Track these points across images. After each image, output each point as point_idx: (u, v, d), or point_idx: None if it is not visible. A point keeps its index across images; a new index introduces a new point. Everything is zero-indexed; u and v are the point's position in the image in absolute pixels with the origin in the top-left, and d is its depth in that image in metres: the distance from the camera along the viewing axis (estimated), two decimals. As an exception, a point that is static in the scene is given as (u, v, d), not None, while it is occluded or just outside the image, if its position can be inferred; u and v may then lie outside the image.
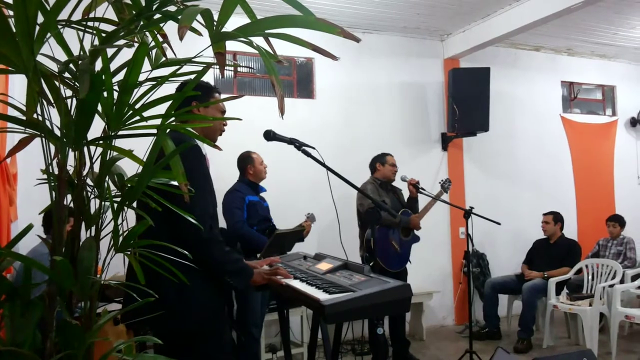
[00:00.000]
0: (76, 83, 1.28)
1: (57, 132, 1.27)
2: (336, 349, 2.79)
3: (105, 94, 1.26)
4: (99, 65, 1.25)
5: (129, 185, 1.41)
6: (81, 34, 1.36)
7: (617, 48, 6.90)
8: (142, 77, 1.33)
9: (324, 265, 2.44)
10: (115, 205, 1.33)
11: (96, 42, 1.34)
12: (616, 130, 7.39)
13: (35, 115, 1.24)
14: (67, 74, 1.30)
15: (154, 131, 1.33)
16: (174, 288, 1.77)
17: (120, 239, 1.36)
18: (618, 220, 5.87)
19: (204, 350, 2.02)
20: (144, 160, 1.34)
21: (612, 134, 7.35)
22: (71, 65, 1.29)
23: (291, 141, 2.51)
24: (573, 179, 7.00)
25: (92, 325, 1.31)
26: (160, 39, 1.48)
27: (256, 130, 2.87)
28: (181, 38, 1.15)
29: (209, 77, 4.88)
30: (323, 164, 2.48)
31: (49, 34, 1.21)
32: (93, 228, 1.36)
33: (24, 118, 1.23)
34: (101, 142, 1.33)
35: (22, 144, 1.31)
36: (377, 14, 5.44)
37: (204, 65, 1.38)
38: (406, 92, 6.07)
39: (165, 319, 1.77)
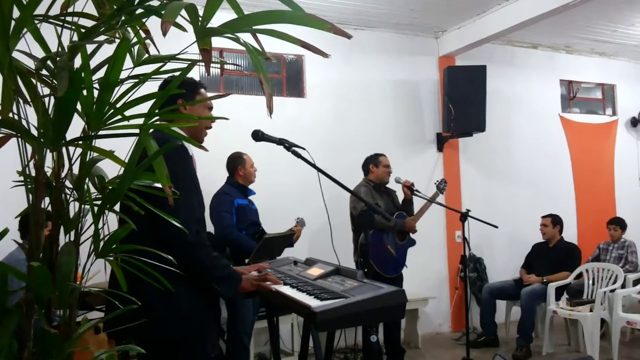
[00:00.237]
0: (54, 81, 1.28)
1: (34, 132, 1.26)
2: (328, 357, 2.79)
3: (84, 92, 1.26)
4: (78, 62, 1.25)
5: (110, 187, 1.40)
6: (59, 29, 1.35)
7: (617, 45, 6.96)
8: (123, 75, 1.32)
9: (315, 271, 2.44)
10: (96, 208, 1.33)
11: (75, 38, 1.33)
12: (616, 130, 7.45)
13: (11, 115, 1.23)
14: (44, 71, 1.29)
15: (136, 131, 1.32)
16: (158, 295, 1.76)
17: (101, 243, 1.35)
18: (619, 223, 5.92)
19: (188, 358, 2.01)
20: (126, 161, 1.34)
21: (612, 134, 7.41)
22: (49, 62, 1.28)
23: (280, 141, 2.51)
24: (572, 180, 7.04)
25: (72, 334, 1.30)
26: (143, 35, 1.48)
27: (244, 130, 2.87)
28: (164, 34, 1.15)
29: (194, 75, 4.87)
30: (314, 165, 2.48)
31: (25, 30, 1.20)
32: (72, 232, 1.36)
33: (-1, 117, 1.23)
34: (81, 142, 1.32)
35: (-3, 145, 1.30)
36: (369, 9, 5.46)
37: (189, 62, 1.38)
38: (400, 91, 6.09)
39: (149, 326, 1.77)
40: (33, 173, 1.28)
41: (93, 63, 1.30)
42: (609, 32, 6.47)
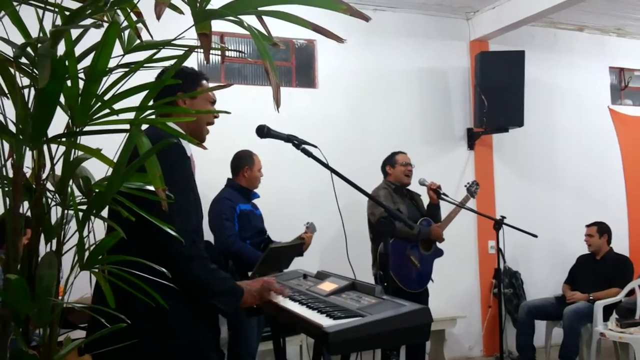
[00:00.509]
0: (35, 70, 1.29)
1: (12, 128, 1.27)
2: (342, 385, 2.79)
3: (69, 82, 1.27)
4: (61, 49, 1.26)
5: (96, 190, 1.41)
6: (41, 12, 1.37)
7: (676, 28, 6.90)
8: (112, 63, 1.33)
9: (327, 286, 2.44)
10: (81, 214, 1.34)
11: (59, 21, 1.35)
12: (675, 125, 7.38)
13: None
14: (24, 60, 1.30)
15: (127, 127, 1.33)
16: (149, 312, 1.77)
17: (87, 254, 1.36)
18: (677, 232, 5.87)
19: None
20: (115, 161, 1.35)
21: (670, 130, 7.34)
22: (29, 49, 1.30)
23: (289, 138, 2.51)
24: (624, 182, 6.98)
25: (53, 356, 1.31)
26: (134, 18, 1.49)
27: (247, 126, 2.87)
28: (158, 17, 1.16)
29: (192, 63, 4.90)
30: (326, 165, 2.48)
31: (2, 13, 1.21)
32: (54, 241, 1.37)
33: (-27, 111, 1.24)
34: (64, 139, 1.33)
35: (-30, 142, 1.31)
36: (390, -13, 5.45)
37: (186, 48, 1.39)
38: (425, 80, 6.07)
39: (139, 348, 1.78)
40: (10, 174, 1.30)
41: (78, 50, 1.31)
42: (666, 13, 6.42)
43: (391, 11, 5.92)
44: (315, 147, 2.50)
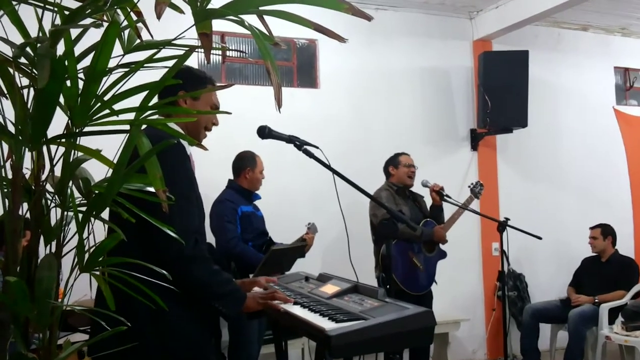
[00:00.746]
0: (34, 70, 1.29)
1: (11, 129, 1.27)
2: (344, 388, 2.78)
3: (68, 82, 1.27)
4: (61, 49, 1.26)
5: (96, 191, 1.42)
6: (40, 11, 1.37)
7: (682, 27, 6.90)
8: (112, 63, 1.33)
9: (329, 288, 2.44)
10: (80, 215, 1.34)
11: (58, 21, 1.35)
12: (680, 125, 7.38)
13: (-15, 109, 1.25)
14: (23, 59, 1.30)
15: (127, 127, 1.33)
16: (150, 315, 1.77)
17: (87, 256, 1.37)
18: (684, 234, 5.86)
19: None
20: (115, 162, 1.35)
21: (675, 130, 7.33)
22: (28, 49, 1.30)
23: (290, 139, 2.51)
24: (629, 183, 6.98)
25: (52, 359, 1.31)
26: (134, 18, 1.49)
27: (249, 126, 2.88)
28: (159, 16, 1.16)
29: (193, 63, 4.91)
30: (328, 167, 2.48)
31: (1, 12, 1.21)
32: (54, 243, 1.37)
33: (-28, 112, 1.24)
34: (64, 140, 1.33)
35: (-31, 143, 1.32)
36: (392, -14, 5.46)
37: (187, 48, 1.39)
38: (428, 80, 6.07)
39: (139, 350, 1.78)
40: (10, 175, 1.30)
41: (78, 50, 1.32)
42: (672, 12, 6.41)
43: (393, 10, 5.93)
44: (317, 147, 2.50)
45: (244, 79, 5.49)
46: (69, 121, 1.34)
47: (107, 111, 1.32)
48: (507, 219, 4.54)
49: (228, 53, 5.26)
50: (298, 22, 1.31)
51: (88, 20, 1.33)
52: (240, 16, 1.32)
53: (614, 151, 6.92)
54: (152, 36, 1.56)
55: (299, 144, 2.51)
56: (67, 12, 1.33)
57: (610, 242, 5.58)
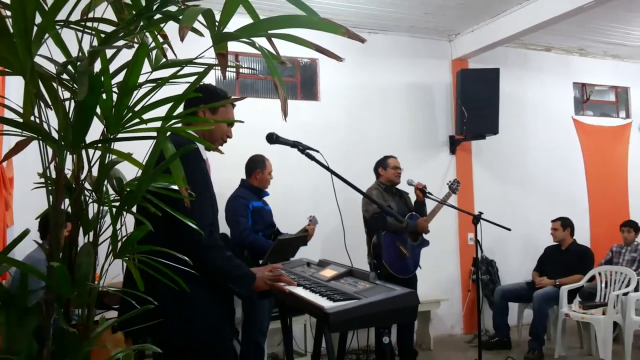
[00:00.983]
0: (74, 85, 1.29)
1: (55, 135, 1.27)
2: (341, 358, 2.78)
3: (104, 96, 1.27)
4: (97, 66, 1.26)
5: (128, 189, 1.41)
6: (80, 34, 1.37)
7: (631, 48, 6.88)
8: (142, 79, 1.33)
9: (328, 272, 2.44)
10: (114, 209, 1.34)
11: (95, 42, 1.35)
12: (630, 132, 7.37)
13: (32, 118, 1.24)
14: (65, 76, 1.30)
15: (154, 134, 1.33)
16: (173, 296, 1.77)
17: (119, 244, 1.36)
18: (633, 226, 5.84)
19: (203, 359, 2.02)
20: (144, 163, 1.35)
21: (625, 137, 7.33)
22: (69, 67, 1.30)
23: (294, 144, 2.51)
24: (586, 183, 6.98)
25: (90, 333, 1.31)
26: (161, 40, 1.49)
27: (259, 133, 2.88)
28: (182, 39, 1.16)
29: (211, 79, 4.91)
30: (327, 168, 2.48)
31: (47, 35, 1.21)
32: (91, 233, 1.37)
33: (21, 120, 1.24)
34: (100, 145, 1.33)
35: (19, 147, 1.31)
36: (383, 13, 5.45)
37: (206, 66, 1.39)
38: (413, 94, 6.07)
39: (164, 328, 1.78)
40: (53, 175, 1.30)
41: (112, 67, 1.31)
42: (622, 35, 6.40)
43: (383, 34, 5.92)
44: (318, 152, 2.50)
45: (255, 93, 5.48)
46: (105, 129, 1.34)
47: (137, 120, 1.32)
48: (481, 213, 4.53)
49: (241, 70, 5.25)
50: (301, 43, 1.31)
51: (121, 42, 1.33)
52: (252, 39, 1.31)
53: (573, 155, 6.93)
54: (176, 56, 1.56)
55: (302, 149, 2.50)
56: (103, 35, 1.33)
57: (569, 233, 5.58)
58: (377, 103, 5.86)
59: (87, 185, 1.38)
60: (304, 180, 5.14)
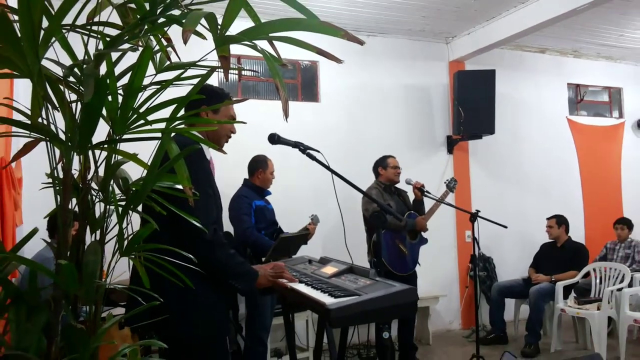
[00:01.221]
0: (81, 87, 1.29)
1: (62, 136, 1.27)
2: (342, 353, 2.78)
3: (109, 97, 1.27)
4: (103, 69, 1.26)
5: (133, 189, 1.41)
6: (86, 38, 1.37)
7: (623, 50, 6.88)
8: (146, 81, 1.33)
9: (329, 269, 2.44)
10: (120, 209, 1.34)
11: (100, 46, 1.35)
12: (623, 132, 7.37)
13: (40, 120, 1.25)
14: (71, 78, 1.30)
15: (159, 135, 1.33)
16: (177, 293, 1.77)
17: (125, 242, 1.36)
18: (626, 223, 5.85)
19: (207, 357, 2.02)
20: (149, 164, 1.35)
21: (619, 136, 7.32)
22: (76, 70, 1.30)
23: (296, 144, 2.51)
24: (580, 181, 6.97)
25: (97, 329, 1.31)
26: (165, 43, 1.49)
27: (261, 134, 2.88)
28: (185, 42, 1.16)
29: (214, 81, 4.90)
30: (328, 167, 2.48)
31: (53, 39, 1.21)
32: (98, 232, 1.37)
33: (29, 122, 1.24)
34: (106, 146, 1.33)
35: (27, 148, 1.31)
36: (382, 16, 5.45)
37: (209, 68, 1.39)
38: (411, 95, 6.07)
39: (169, 324, 1.78)
40: (61, 175, 1.30)
41: (117, 70, 1.31)
42: (615, 37, 6.40)
43: (382, 37, 5.92)
44: (319, 152, 2.50)
45: (256, 95, 5.48)
46: (110, 130, 1.34)
47: (142, 121, 1.32)
48: (478, 211, 4.54)
49: (243, 72, 5.26)
50: (302, 46, 1.31)
51: (126, 46, 1.33)
52: (254, 41, 1.31)
53: (567, 154, 6.93)
54: (179, 58, 1.56)
55: (303, 149, 2.51)
56: (108, 39, 1.33)
57: (564, 230, 5.58)
58: (376, 104, 5.86)
59: (93, 185, 1.38)
60: (305, 180, 5.14)
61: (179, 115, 1.37)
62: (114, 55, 1.31)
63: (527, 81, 6.73)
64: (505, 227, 4.60)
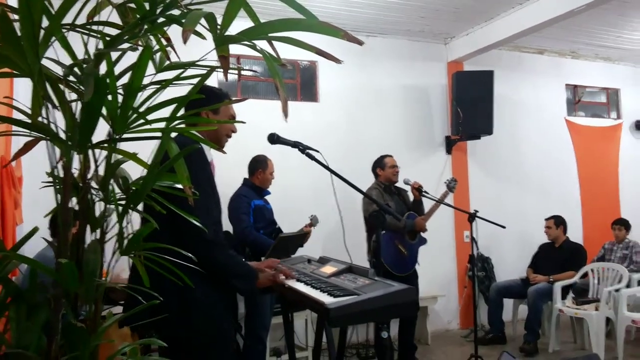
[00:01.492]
0: (81, 86, 1.29)
1: (62, 135, 1.27)
2: (341, 352, 2.78)
3: (109, 97, 1.27)
4: (103, 68, 1.26)
5: (133, 188, 1.41)
6: (86, 37, 1.37)
7: (621, 51, 6.89)
8: (146, 81, 1.33)
9: (328, 269, 2.44)
10: (120, 208, 1.34)
11: (100, 45, 1.35)
12: (621, 133, 7.38)
13: (40, 119, 1.25)
14: (71, 78, 1.30)
15: (159, 134, 1.33)
16: (177, 292, 1.77)
17: (125, 242, 1.36)
18: (624, 224, 5.85)
19: (207, 357, 2.02)
20: (149, 163, 1.35)
21: (616, 137, 7.33)
22: (76, 69, 1.30)
23: (295, 144, 2.51)
24: (578, 182, 6.98)
25: (97, 328, 1.31)
26: (164, 43, 1.49)
27: (260, 134, 2.88)
28: (185, 41, 1.16)
29: (213, 81, 4.90)
30: (327, 167, 2.48)
31: (53, 38, 1.21)
32: (98, 231, 1.37)
33: (29, 121, 1.24)
34: (106, 145, 1.33)
35: (27, 147, 1.31)
36: (381, 17, 5.45)
37: (208, 68, 1.39)
38: (410, 95, 6.07)
39: (169, 323, 1.77)
40: (61, 174, 1.30)
41: (117, 70, 1.31)
42: (613, 38, 6.40)
43: (381, 37, 5.93)
44: (318, 151, 2.50)
45: (256, 94, 5.49)
46: (110, 129, 1.34)
47: (142, 121, 1.32)
48: (477, 211, 4.55)
49: (243, 72, 5.26)
50: (301, 46, 1.31)
51: (126, 45, 1.33)
52: (253, 41, 1.31)
53: (565, 154, 6.94)
54: (179, 58, 1.55)
55: (303, 149, 2.51)
56: (108, 38, 1.33)
57: (562, 231, 5.58)
58: (375, 104, 5.86)
59: (93, 184, 1.38)
60: (304, 180, 5.14)
61: (178, 114, 1.37)
62: (114, 55, 1.31)
63: (525, 82, 6.74)
64: (504, 227, 4.60)
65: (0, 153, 3.07)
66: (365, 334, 5.11)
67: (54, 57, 1.36)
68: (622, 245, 5.79)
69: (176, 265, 1.46)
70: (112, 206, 1.36)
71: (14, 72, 1.19)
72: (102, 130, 1.35)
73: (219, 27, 1.26)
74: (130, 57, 1.33)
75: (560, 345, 5.17)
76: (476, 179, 6.32)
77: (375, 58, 5.86)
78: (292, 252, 4.10)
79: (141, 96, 1.33)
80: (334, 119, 5.62)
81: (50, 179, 1.33)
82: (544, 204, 6.43)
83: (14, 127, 1.26)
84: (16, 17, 1.15)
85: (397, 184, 4.75)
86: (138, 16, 1.32)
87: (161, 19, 1.32)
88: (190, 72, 1.43)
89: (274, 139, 2.52)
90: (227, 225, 3.95)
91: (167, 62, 1.51)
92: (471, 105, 5.83)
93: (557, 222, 5.58)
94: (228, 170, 4.25)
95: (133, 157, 1.34)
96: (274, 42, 1.37)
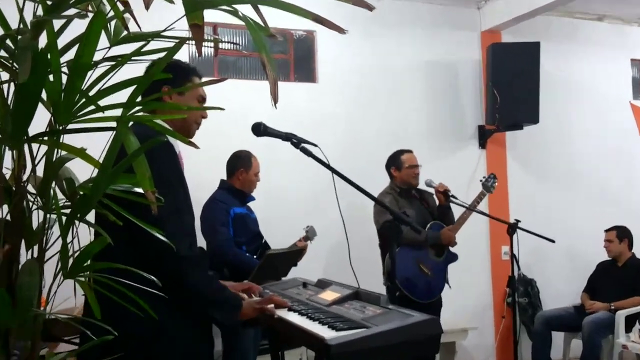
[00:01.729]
0: (14, 64, 1.29)
1: (-10, 126, 1.28)
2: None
3: (51, 77, 1.27)
4: (43, 41, 1.26)
5: (81, 193, 1.41)
6: (21, 1, 1.37)
7: None
8: (98, 56, 1.33)
9: (329, 295, 2.44)
10: (64, 218, 1.34)
11: (40, 11, 1.35)
12: (703, 121, 7.39)
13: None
14: (2, 53, 1.30)
15: (113, 124, 1.33)
16: (142, 325, 1.76)
17: (71, 261, 1.36)
18: None
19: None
20: (100, 161, 1.35)
21: (697, 127, 7.33)
22: (8, 42, 1.30)
23: (287, 137, 2.51)
24: (647, 184, 6.99)
25: (35, 372, 1.31)
26: (121, 8, 1.49)
27: (243, 123, 2.88)
28: (147, 6, 1.16)
29: (183, 56, 4.90)
30: (327, 166, 2.48)
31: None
32: (36, 247, 1.37)
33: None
34: (46, 138, 1.33)
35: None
36: (395, -26, 5.46)
37: (177, 40, 1.39)
38: (432, 74, 6.07)
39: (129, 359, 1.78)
40: (-12, 176, 1.30)
41: (61, 42, 1.31)
42: (692, 1, 6.41)
43: (396, 0, 5.92)
44: (316, 145, 2.50)
45: (237, 73, 5.49)
46: (52, 118, 1.34)
47: (92, 107, 1.32)
48: (518, 221, 4.55)
49: (221, 45, 5.26)
50: (295, 12, 1.31)
51: (72, 11, 1.33)
52: (234, 6, 1.32)
53: (631, 148, 6.91)
54: (140, 28, 1.56)
55: (297, 142, 2.51)
56: (49, 2, 1.33)
57: (626, 246, 5.58)
58: (388, 86, 5.86)
59: (30, 187, 1.38)
60: (298, 181, 5.13)
61: (138, 99, 1.37)
62: (57, 24, 1.31)
63: (580, 56, 6.74)
64: (553, 241, 4.61)
65: None
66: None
67: (-21, 27, 1.36)
68: (703, 264, 5.79)
69: (137, 291, 1.46)
70: (54, 216, 1.36)
71: None
72: (41, 120, 1.35)
73: (190, -13, 1.26)
74: (78, 27, 1.33)
75: (624, 392, 5.18)
76: (517, 180, 6.32)
77: (387, 27, 5.86)
78: (284, 273, 4.10)
79: (91, 76, 1.33)
80: (335, 103, 5.61)
81: (-25, 182, 1.33)
82: (603, 211, 6.42)
83: None
84: None
85: (418, 187, 4.73)
86: (87, -26, 1.32)
87: (117, -23, 1.32)
88: (153, 45, 1.44)
89: (260, 130, 2.52)
90: (200, 240, 3.95)
91: (125, 33, 1.51)
92: (511, 87, 5.82)
93: (621, 235, 5.58)
94: (200, 170, 4.25)
95: (81, 153, 1.34)
96: (261, 7, 1.38)
